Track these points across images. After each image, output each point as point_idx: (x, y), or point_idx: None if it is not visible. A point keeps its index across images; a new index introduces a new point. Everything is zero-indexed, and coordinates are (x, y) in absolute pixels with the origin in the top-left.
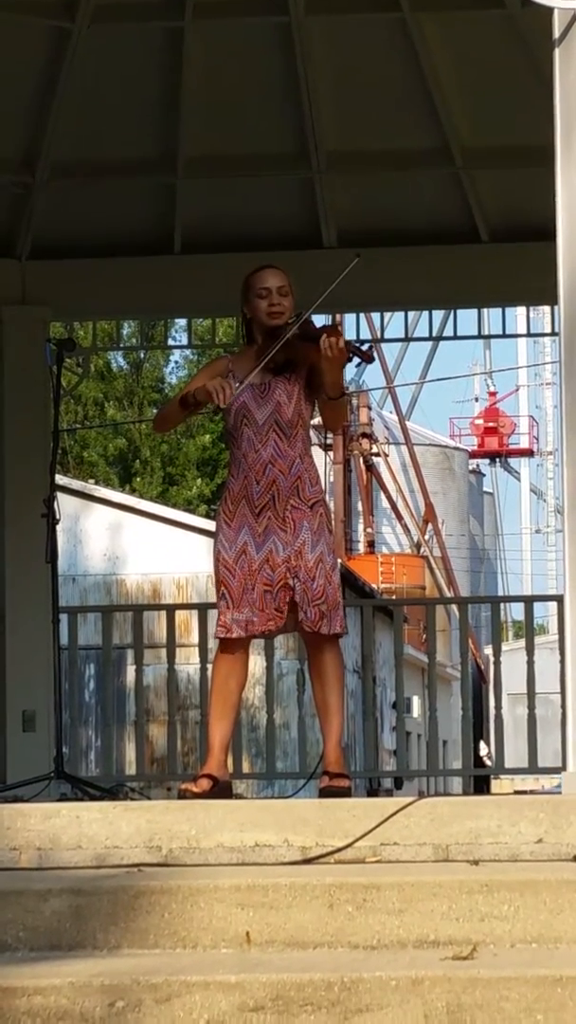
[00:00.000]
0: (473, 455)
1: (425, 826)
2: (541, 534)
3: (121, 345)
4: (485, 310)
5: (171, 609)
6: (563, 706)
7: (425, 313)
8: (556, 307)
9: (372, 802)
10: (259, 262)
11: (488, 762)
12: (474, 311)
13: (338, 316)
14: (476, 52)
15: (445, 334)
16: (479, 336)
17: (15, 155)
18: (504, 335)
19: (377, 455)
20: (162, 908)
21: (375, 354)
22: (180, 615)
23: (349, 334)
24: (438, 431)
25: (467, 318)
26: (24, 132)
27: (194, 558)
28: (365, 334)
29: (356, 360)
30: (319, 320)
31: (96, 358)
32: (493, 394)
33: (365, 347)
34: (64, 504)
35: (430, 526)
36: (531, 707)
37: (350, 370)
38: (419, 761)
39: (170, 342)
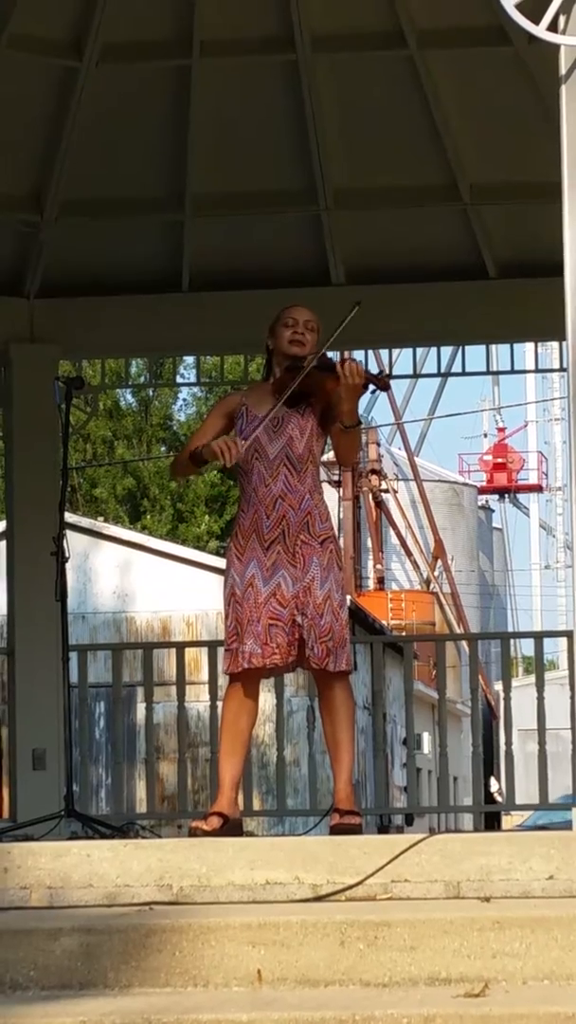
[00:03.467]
0: (482, 491)
1: (436, 863)
2: (551, 570)
3: (129, 383)
4: (493, 346)
5: (181, 647)
6: (573, 742)
7: (433, 349)
8: (564, 343)
9: (383, 839)
10: (266, 299)
11: (499, 798)
12: (482, 347)
13: (346, 352)
14: (483, 89)
15: (454, 370)
16: (487, 372)
17: (24, 193)
18: (512, 371)
19: (386, 491)
20: (173, 947)
21: (390, 381)
22: (190, 652)
23: None
24: (447, 467)
25: (475, 354)
26: (32, 170)
27: (204, 595)
28: (373, 370)
29: (372, 388)
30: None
31: (105, 396)
32: (502, 430)
33: (380, 375)
34: (73, 542)
35: (439, 562)
36: (541, 743)
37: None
38: (430, 798)
39: (178, 379)
